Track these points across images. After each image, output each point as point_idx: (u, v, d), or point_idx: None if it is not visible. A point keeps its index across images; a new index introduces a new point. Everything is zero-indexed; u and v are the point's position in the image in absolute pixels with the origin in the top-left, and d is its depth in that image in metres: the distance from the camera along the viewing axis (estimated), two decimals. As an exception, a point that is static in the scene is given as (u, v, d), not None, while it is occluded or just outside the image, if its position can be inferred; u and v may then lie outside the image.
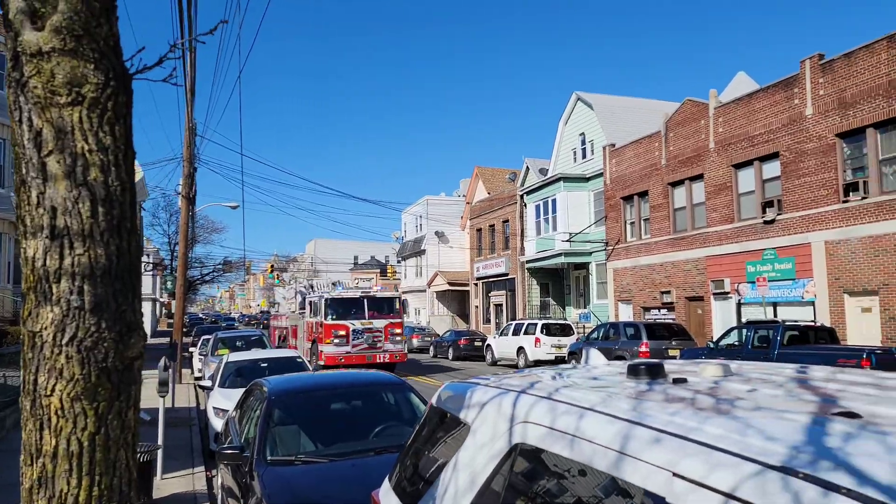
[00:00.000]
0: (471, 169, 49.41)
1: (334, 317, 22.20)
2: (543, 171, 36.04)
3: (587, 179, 31.24)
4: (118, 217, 1.86)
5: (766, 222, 20.84)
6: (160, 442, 8.62)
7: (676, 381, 2.31)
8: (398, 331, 23.02)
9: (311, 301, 24.66)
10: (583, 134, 32.93)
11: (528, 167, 37.79)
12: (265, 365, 11.52)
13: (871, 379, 2.26)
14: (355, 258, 71.05)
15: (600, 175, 29.81)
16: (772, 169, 20.91)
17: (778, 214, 20.36)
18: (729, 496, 1.39)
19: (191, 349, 26.57)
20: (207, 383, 12.14)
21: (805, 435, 1.50)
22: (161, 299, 63.32)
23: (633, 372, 2.51)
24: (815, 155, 19.22)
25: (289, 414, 5.56)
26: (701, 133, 23.66)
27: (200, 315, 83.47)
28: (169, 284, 33.62)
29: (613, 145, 28.89)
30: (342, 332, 21.89)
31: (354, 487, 4.15)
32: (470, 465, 2.48)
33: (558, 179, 31.52)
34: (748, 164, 21.71)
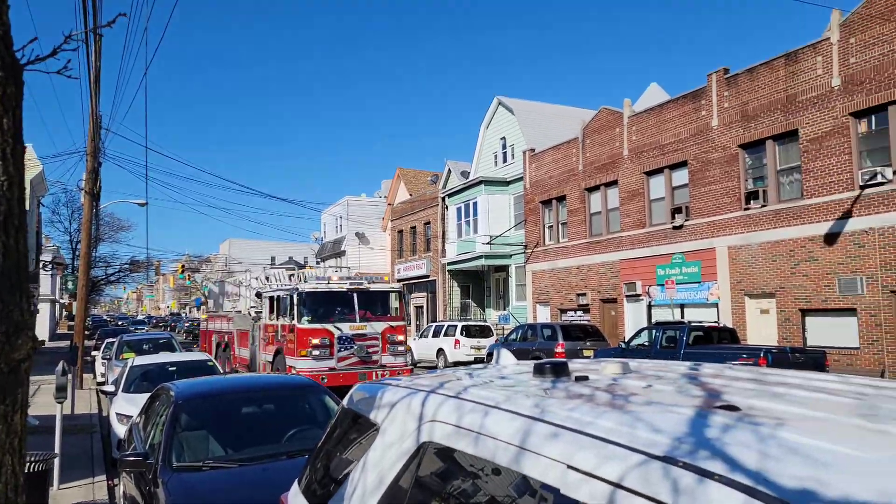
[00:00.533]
0: (392, 170, 49.29)
1: (311, 318, 16.39)
2: (465, 174, 36.42)
3: (508, 183, 31.78)
4: (5, 213, 1.76)
5: (675, 227, 21.81)
6: (57, 450, 8.17)
7: (578, 379, 2.40)
8: (400, 337, 17.45)
9: (272, 297, 18.80)
10: (504, 138, 33.48)
11: (449, 170, 38.08)
12: (173, 369, 11.14)
13: (754, 375, 2.42)
14: (272, 259, 69.49)
15: (520, 179, 30.40)
16: (680, 177, 21.91)
17: (686, 220, 21.35)
18: (616, 485, 1.46)
19: (93, 353, 25.30)
20: (110, 388, 11.61)
21: (689, 427, 1.59)
22: (61, 300, 59.96)
23: (539, 371, 2.59)
24: (719, 164, 20.28)
25: (197, 418, 5.40)
26: (616, 141, 24.52)
27: (105, 317, 79.71)
28: (70, 285, 31.62)
29: (533, 150, 29.52)
30: (324, 340, 16.20)
31: (264, 492, 4.07)
32: (378, 464, 2.50)
33: (479, 182, 31.93)
34: (659, 171, 22.66)
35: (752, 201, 19.20)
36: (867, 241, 16.32)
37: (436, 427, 2.25)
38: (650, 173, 23.02)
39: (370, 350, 16.77)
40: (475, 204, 32.15)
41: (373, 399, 2.85)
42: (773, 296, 18.68)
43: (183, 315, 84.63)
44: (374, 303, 17.55)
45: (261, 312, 20.06)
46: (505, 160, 33.31)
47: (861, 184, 16.36)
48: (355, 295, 17.14)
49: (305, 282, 18.00)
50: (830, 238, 17.11)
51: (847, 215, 16.73)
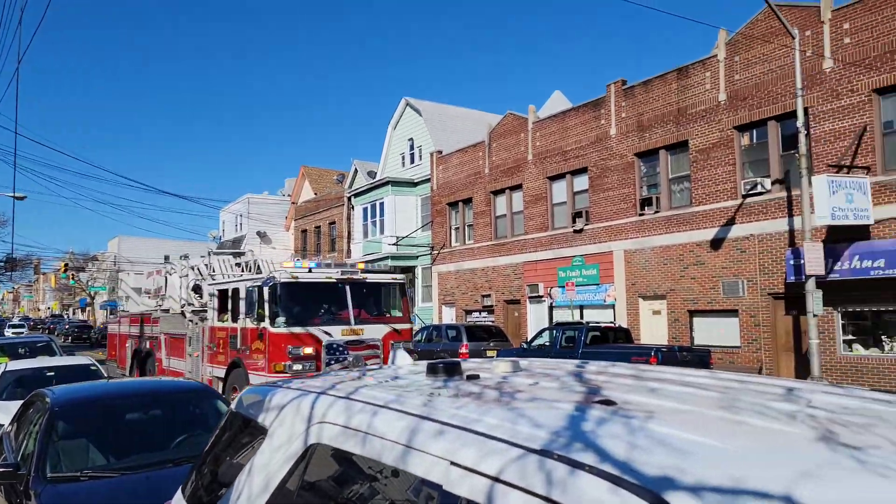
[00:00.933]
0: (297, 168, 48.44)
1: (288, 319, 12.53)
2: (372, 174, 36.24)
3: (415, 184, 31.88)
4: None
5: (575, 231, 22.56)
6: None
7: (470, 378, 2.43)
8: (407, 345, 13.67)
9: (223, 291, 14.67)
10: (411, 139, 33.57)
11: (356, 169, 37.78)
12: (52, 374, 10.42)
13: (634, 371, 2.53)
14: (166, 257, 66.40)
15: (427, 180, 30.57)
16: (581, 182, 22.70)
17: (586, 224, 22.14)
18: (495, 480, 1.48)
19: (-38, 358, 23.29)
20: (-22, 396, 10.72)
21: (567, 421, 1.64)
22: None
23: (432, 370, 2.60)
24: (617, 171, 21.16)
25: (76, 426, 5.07)
26: (521, 145, 25.10)
27: None
28: (-61, 284, 28.92)
29: (440, 152, 29.76)
30: (305, 350, 12.40)
31: (146, 501, 3.88)
32: (265, 467, 2.43)
33: (386, 183, 31.87)
34: (561, 176, 23.39)
35: (646, 207, 20.15)
36: (748, 246, 17.48)
37: (324, 428, 2.22)
38: (553, 178, 23.71)
39: (369, 362, 12.90)
40: (382, 204, 32.06)
41: (262, 402, 2.78)
42: (665, 297, 19.68)
43: (65, 317, 79.70)
44: (371, 299, 14.03)
45: (202, 311, 15.72)
46: (412, 161, 33.40)
47: (743, 193, 17.51)
48: (348, 288, 13.33)
49: (258, 271, 14.06)
50: (716, 243, 18.21)
51: (731, 222, 17.86)
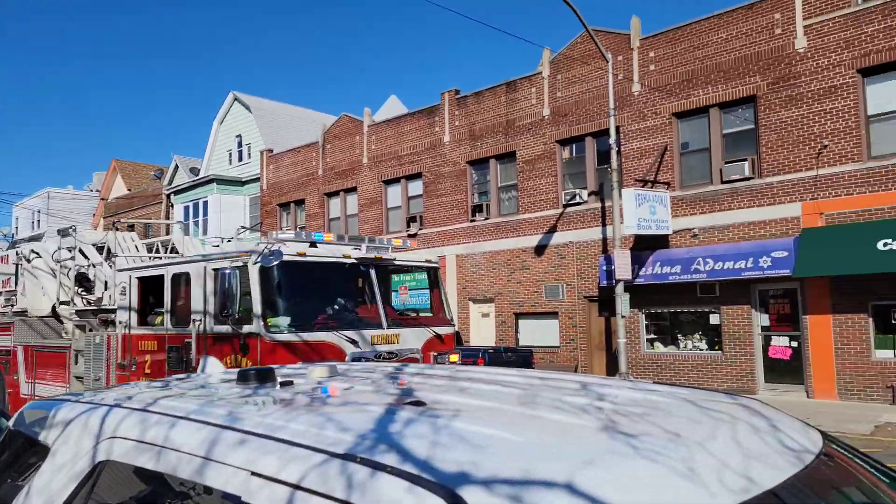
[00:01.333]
0: (108, 162, 44.76)
1: (297, 319, 8.61)
2: (195, 171, 34.36)
3: (243, 183, 30.65)
4: None
5: (410, 236, 22.87)
6: None
7: (283, 385, 2.36)
8: (453, 356, 9.89)
9: (150, 279, 10.22)
10: (240, 136, 32.26)
11: (177, 165, 35.62)
12: None
13: (448, 372, 2.59)
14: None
15: (257, 180, 29.52)
16: (416, 187, 23.09)
17: (420, 229, 22.54)
18: (296, 487, 1.44)
19: None
20: None
21: (376, 423, 1.63)
22: None
23: (243, 378, 2.50)
24: (450, 178, 21.79)
25: None
26: (356, 148, 25.02)
27: None
28: None
29: (271, 151, 28.87)
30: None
31: None
32: (46, 489, 2.19)
33: (211, 181, 30.35)
34: (396, 181, 23.63)
35: (477, 214, 20.94)
36: (567, 253, 18.76)
37: (115, 444, 2.04)
38: (388, 182, 23.89)
39: None
40: (206, 203, 30.48)
41: (45, 418, 2.51)
42: (493, 301, 20.55)
43: None
44: (397, 289, 10.31)
45: (104, 312, 11.53)
46: (241, 159, 32.12)
47: (564, 203, 18.78)
48: (373, 272, 9.53)
49: (182, 253, 10.54)
50: (540, 250, 19.35)
51: (553, 230, 19.07)
